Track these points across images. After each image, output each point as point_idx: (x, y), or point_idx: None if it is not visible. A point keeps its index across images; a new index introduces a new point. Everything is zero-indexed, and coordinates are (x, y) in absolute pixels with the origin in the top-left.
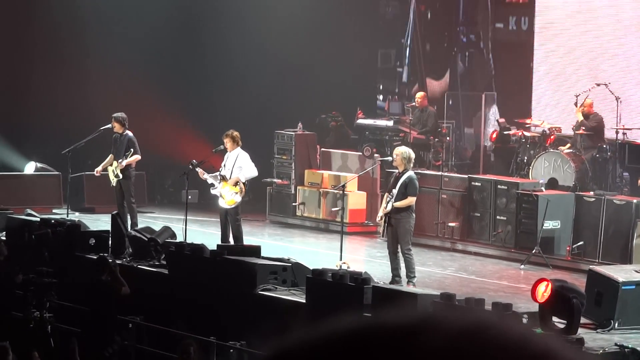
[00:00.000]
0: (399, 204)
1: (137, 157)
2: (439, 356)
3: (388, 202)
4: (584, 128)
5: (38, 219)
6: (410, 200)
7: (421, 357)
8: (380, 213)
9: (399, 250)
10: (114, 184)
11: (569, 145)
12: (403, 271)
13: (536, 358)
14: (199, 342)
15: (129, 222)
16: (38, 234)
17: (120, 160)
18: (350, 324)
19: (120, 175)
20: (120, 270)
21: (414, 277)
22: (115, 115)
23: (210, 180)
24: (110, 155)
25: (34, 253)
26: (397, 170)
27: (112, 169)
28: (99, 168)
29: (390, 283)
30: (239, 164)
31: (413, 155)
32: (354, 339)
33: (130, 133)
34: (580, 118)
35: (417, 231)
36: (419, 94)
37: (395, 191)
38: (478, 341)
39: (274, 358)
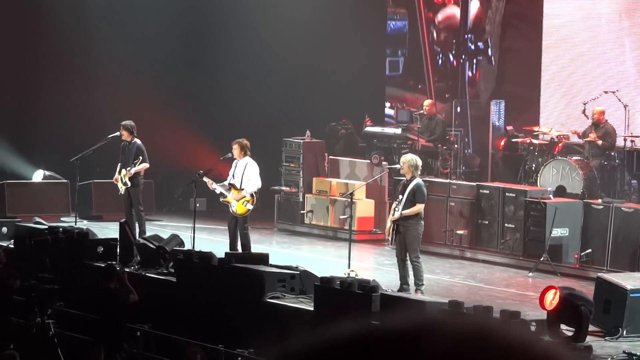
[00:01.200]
0: (407, 211)
1: (146, 165)
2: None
3: (396, 210)
4: (591, 136)
5: (46, 227)
6: (419, 208)
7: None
8: (389, 223)
9: (407, 258)
10: (122, 192)
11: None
12: (411, 279)
13: None
14: (206, 350)
15: (137, 230)
16: (37, 241)
17: (128, 168)
18: (355, 329)
19: (129, 184)
20: (128, 277)
21: (423, 285)
22: (123, 123)
23: (219, 190)
24: (120, 163)
25: (35, 260)
26: (404, 178)
27: (121, 177)
28: (117, 175)
29: (398, 291)
30: (247, 174)
31: (420, 163)
32: (358, 344)
33: (138, 141)
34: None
35: (426, 239)
36: (427, 102)
37: (403, 199)
38: (481, 346)
39: None
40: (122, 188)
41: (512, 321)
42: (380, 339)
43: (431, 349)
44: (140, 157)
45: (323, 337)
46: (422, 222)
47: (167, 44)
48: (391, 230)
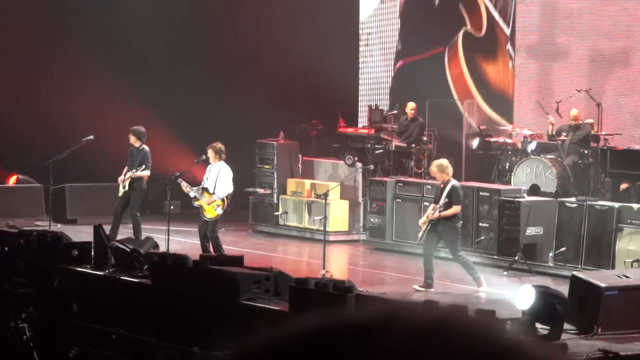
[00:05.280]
0: (445, 212)
1: (147, 172)
2: (405, 350)
3: (435, 211)
4: (565, 134)
5: (19, 231)
6: (456, 209)
7: (386, 351)
8: (425, 222)
9: (433, 255)
10: (120, 195)
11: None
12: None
13: (503, 352)
14: (182, 353)
15: (133, 233)
16: (10, 245)
17: (133, 170)
18: (315, 321)
19: (127, 187)
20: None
21: (477, 273)
22: (132, 128)
23: (192, 193)
24: (126, 167)
25: (9, 264)
26: (438, 182)
27: (122, 178)
28: (121, 177)
29: (422, 286)
30: (220, 178)
31: (448, 165)
32: (307, 339)
33: (146, 148)
34: (551, 130)
35: (400, 239)
36: (411, 105)
37: (441, 201)
38: (444, 335)
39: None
40: (121, 190)
41: (483, 316)
42: (339, 329)
43: (393, 338)
44: (143, 165)
45: (279, 329)
46: (460, 223)
47: (141, 47)
48: (426, 227)
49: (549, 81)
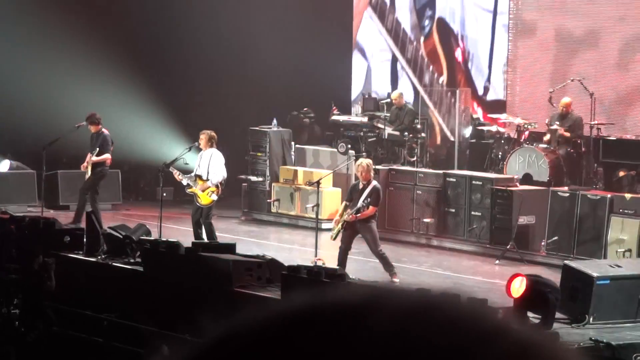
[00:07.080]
0: (361, 215)
1: (106, 156)
2: (385, 337)
3: (353, 211)
4: (558, 123)
5: (11, 217)
6: (372, 210)
7: (366, 338)
8: (338, 224)
9: (350, 251)
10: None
11: (549, 136)
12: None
13: (487, 337)
14: (173, 340)
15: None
16: (2, 232)
17: (90, 155)
18: (289, 306)
19: (89, 172)
20: (56, 268)
21: (394, 269)
22: (87, 117)
23: (185, 181)
24: (89, 153)
25: (1, 250)
26: (359, 181)
27: (85, 165)
28: (84, 162)
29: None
30: (212, 165)
31: (372, 165)
32: (292, 322)
33: (105, 132)
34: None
35: (393, 227)
36: (395, 93)
37: (360, 201)
38: (426, 321)
39: (211, 347)
40: (86, 177)
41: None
42: (316, 316)
43: (372, 325)
44: (98, 149)
45: (254, 314)
46: (375, 223)
47: (134, 34)
48: (340, 227)
49: (542, 70)
